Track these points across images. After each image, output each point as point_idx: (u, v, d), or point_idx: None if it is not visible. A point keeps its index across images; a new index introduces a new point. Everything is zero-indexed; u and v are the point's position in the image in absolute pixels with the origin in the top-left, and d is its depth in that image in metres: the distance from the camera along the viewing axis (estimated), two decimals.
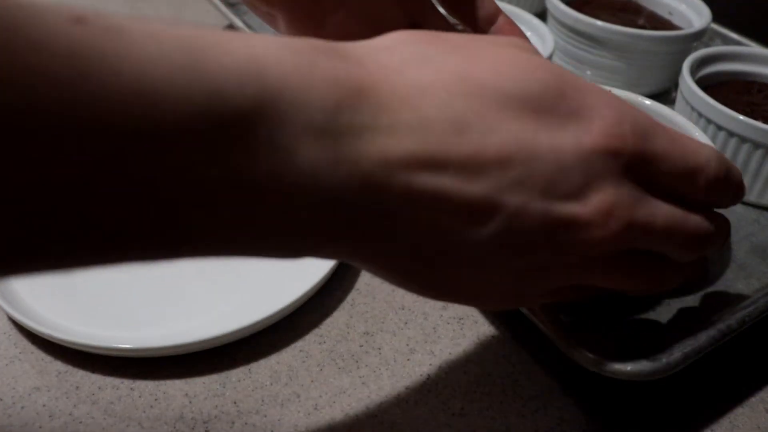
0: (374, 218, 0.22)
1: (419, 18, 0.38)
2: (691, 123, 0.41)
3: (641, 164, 0.25)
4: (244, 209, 0.20)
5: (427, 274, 0.25)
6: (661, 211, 0.26)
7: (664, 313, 0.36)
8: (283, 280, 0.38)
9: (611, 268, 0.27)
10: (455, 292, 0.26)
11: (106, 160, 0.17)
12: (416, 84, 0.22)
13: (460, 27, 0.40)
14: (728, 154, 0.43)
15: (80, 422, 0.32)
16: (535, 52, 0.27)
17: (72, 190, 0.16)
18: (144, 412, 0.32)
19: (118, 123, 0.17)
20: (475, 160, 0.22)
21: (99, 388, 0.34)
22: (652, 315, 0.36)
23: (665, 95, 0.57)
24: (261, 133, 0.19)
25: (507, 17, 0.39)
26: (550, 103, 0.24)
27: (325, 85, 0.20)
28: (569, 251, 0.25)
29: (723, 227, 0.30)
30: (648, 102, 0.42)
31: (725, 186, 0.29)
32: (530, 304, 0.32)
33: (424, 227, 0.22)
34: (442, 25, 0.39)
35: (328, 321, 0.38)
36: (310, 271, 0.38)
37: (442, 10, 0.39)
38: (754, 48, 0.55)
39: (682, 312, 0.36)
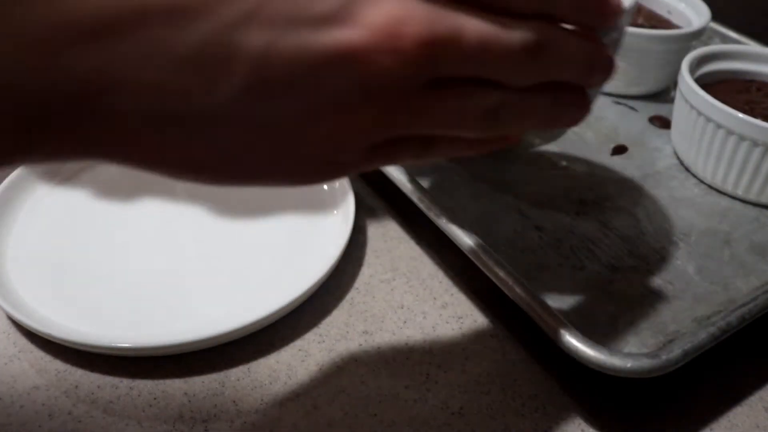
0: (71, 107, 0.18)
1: None
2: None
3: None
4: None
5: (190, 158, 0.20)
6: (472, 23, 0.20)
7: (664, 310, 0.36)
8: (282, 280, 0.38)
9: (433, 108, 0.21)
10: (240, 174, 0.21)
11: None
12: None
13: None
14: (727, 153, 0.43)
15: (79, 421, 0.32)
16: None
17: None
18: (143, 411, 0.32)
19: None
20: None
21: (98, 387, 0.33)
22: (651, 312, 0.36)
23: (664, 94, 0.57)
24: None
25: None
26: None
27: None
28: (358, 91, 0.20)
29: (590, 49, 0.24)
30: None
31: None
32: (353, 170, 0.24)
33: (145, 102, 0.18)
34: None
35: (327, 320, 0.38)
36: (309, 270, 0.38)
37: None
38: (752, 46, 0.55)
39: (682, 309, 0.36)
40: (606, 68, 0.26)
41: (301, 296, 0.37)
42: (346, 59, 0.19)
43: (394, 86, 0.20)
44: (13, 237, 0.41)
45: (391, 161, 0.24)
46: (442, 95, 0.21)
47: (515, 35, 0.21)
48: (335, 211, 0.43)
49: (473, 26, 0.20)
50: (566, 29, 0.24)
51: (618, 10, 0.25)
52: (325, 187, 0.45)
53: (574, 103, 0.26)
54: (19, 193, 0.43)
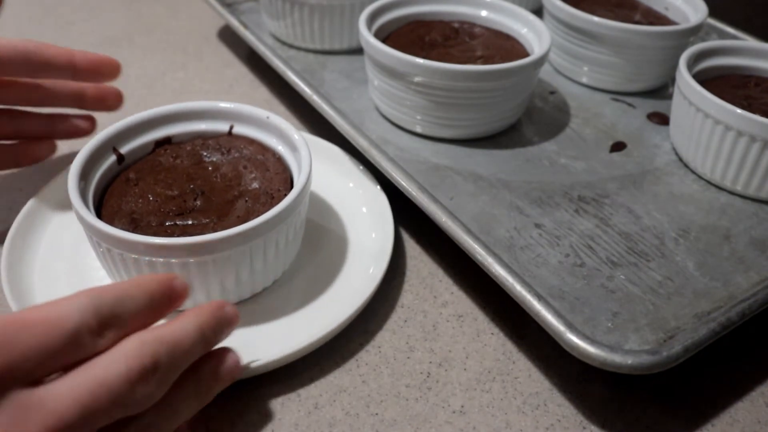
0: None
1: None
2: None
3: (14, 372, 0.23)
4: None
5: None
6: (68, 394, 0.23)
7: (664, 306, 0.36)
8: (322, 307, 0.37)
9: None
10: None
11: None
12: None
13: None
14: (726, 148, 0.43)
15: None
16: None
17: None
18: None
19: None
20: None
21: None
22: (651, 308, 0.36)
23: (662, 90, 0.57)
24: None
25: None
26: None
27: None
28: None
29: (202, 334, 0.28)
30: None
31: (121, 329, 0.26)
32: None
33: None
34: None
35: None
36: (349, 294, 0.37)
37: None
38: (750, 42, 0.56)
39: (682, 305, 0.36)
40: (230, 326, 0.30)
41: (336, 328, 0.35)
42: None
43: None
44: (42, 250, 0.39)
45: None
46: None
47: (113, 375, 0.24)
48: (373, 234, 0.42)
49: (72, 401, 0.23)
50: (162, 327, 0.27)
51: (234, 319, 0.30)
52: (364, 209, 0.44)
53: (218, 364, 0.29)
54: (49, 205, 0.42)
